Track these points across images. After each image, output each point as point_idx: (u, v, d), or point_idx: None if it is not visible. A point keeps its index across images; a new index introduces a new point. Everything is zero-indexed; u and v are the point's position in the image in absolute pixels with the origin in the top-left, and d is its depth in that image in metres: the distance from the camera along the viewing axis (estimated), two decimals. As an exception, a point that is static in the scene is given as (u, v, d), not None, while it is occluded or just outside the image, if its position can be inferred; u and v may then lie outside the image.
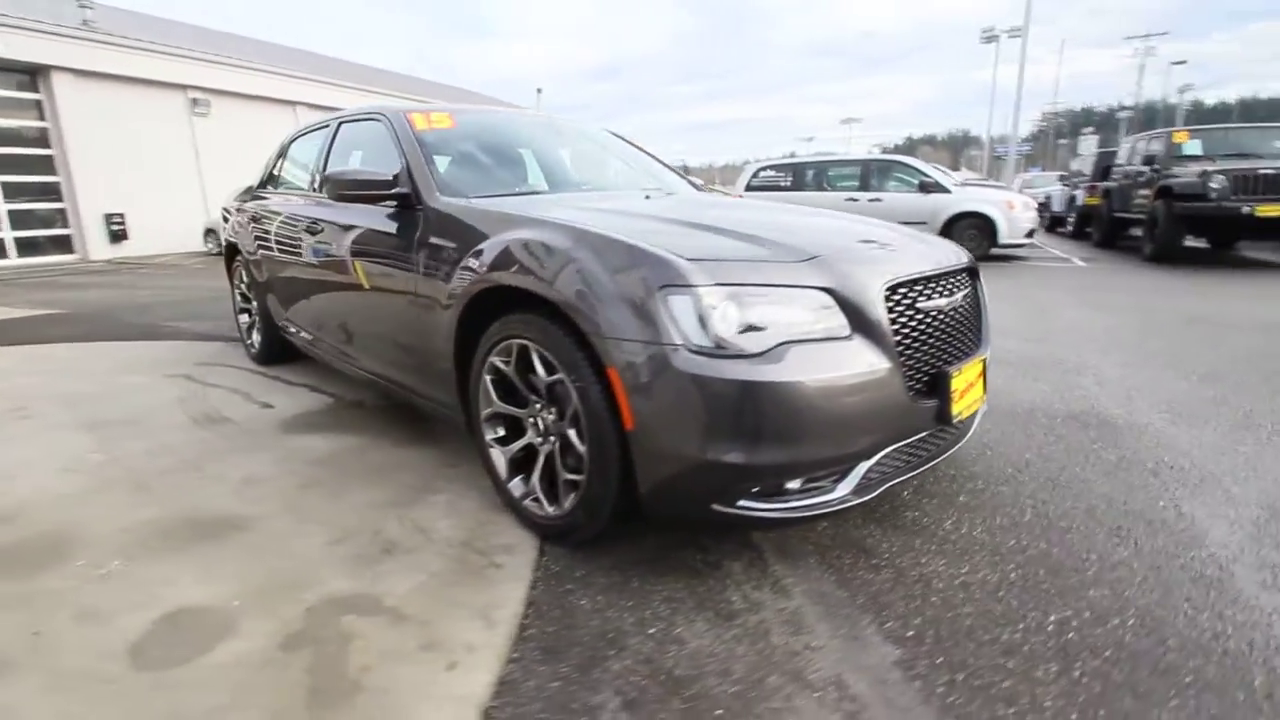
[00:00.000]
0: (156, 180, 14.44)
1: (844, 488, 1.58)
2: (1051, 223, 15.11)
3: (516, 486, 1.98)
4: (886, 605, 1.61)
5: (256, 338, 3.89)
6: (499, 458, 2.03)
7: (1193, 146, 8.95)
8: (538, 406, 1.87)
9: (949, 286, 1.87)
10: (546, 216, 1.86)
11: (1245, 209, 7.54)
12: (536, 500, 1.90)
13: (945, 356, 1.77)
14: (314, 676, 1.39)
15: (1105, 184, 11.32)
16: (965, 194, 9.26)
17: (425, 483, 2.33)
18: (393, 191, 2.30)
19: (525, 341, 1.80)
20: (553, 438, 1.84)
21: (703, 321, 1.47)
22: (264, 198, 3.62)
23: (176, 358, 4.20)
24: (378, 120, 2.72)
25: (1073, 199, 13.98)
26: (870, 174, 9.85)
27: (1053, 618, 1.56)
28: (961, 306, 1.90)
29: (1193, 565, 1.77)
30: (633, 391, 1.52)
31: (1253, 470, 2.34)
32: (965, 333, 1.90)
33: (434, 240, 2.14)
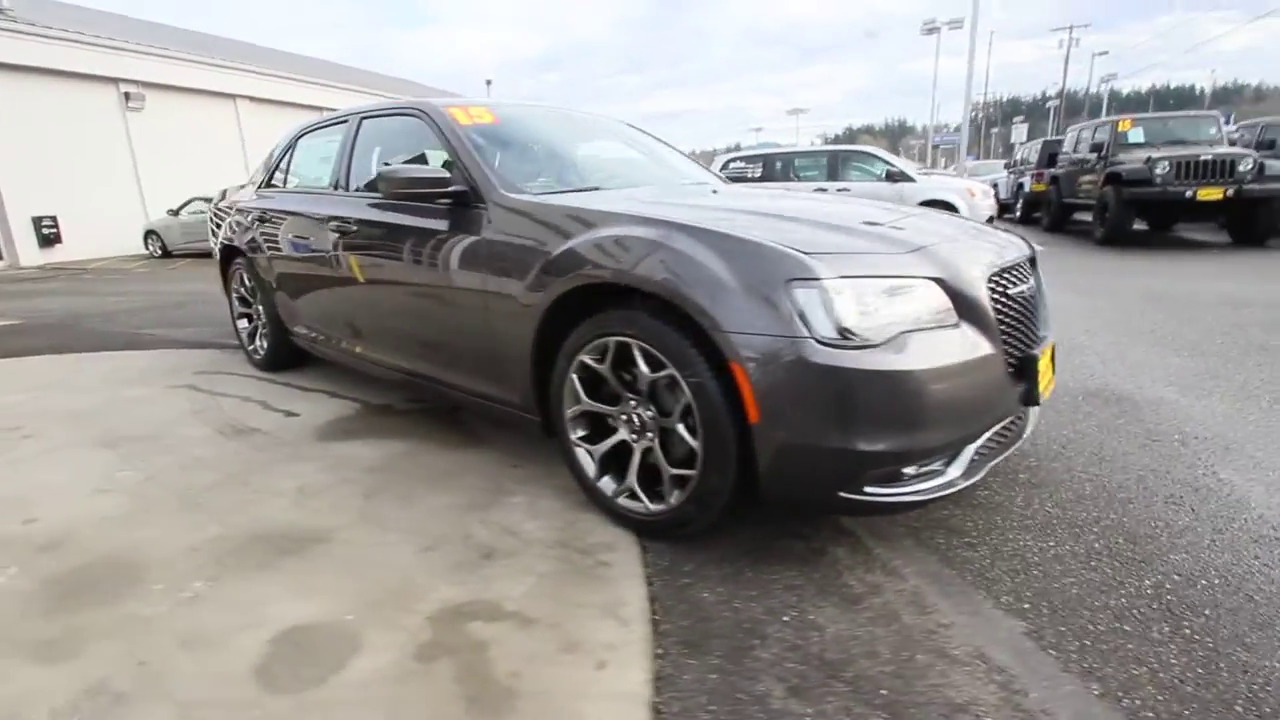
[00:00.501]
0: (90, 180, 13.59)
1: (955, 470, 1.65)
2: (999, 209, 15.76)
3: (607, 485, 1.98)
4: (994, 580, 1.68)
5: (261, 343, 3.73)
6: (585, 456, 2.02)
7: (1136, 134, 9.50)
8: (633, 403, 1.87)
9: (1025, 273, 1.96)
10: (643, 213, 1.86)
11: (1188, 193, 8.06)
12: (633, 497, 1.91)
13: (1029, 340, 1.86)
14: (464, 686, 1.37)
15: (1052, 171, 11.90)
16: (930, 183, 9.57)
17: (494, 485, 2.29)
18: (450, 189, 2.25)
19: (626, 338, 1.79)
20: (650, 434, 1.85)
21: (828, 313, 1.51)
22: (271, 196, 3.46)
23: (170, 367, 3.98)
24: (414, 116, 2.64)
25: (1020, 186, 14.64)
26: (837, 164, 10.07)
27: (1148, 582, 1.66)
28: (1034, 292, 1.99)
29: (1249, 526, 1.90)
30: (759, 384, 1.54)
31: (1267, 436, 2.53)
32: (1038, 317, 1.99)
33: (504, 238, 2.10)
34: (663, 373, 1.73)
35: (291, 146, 3.48)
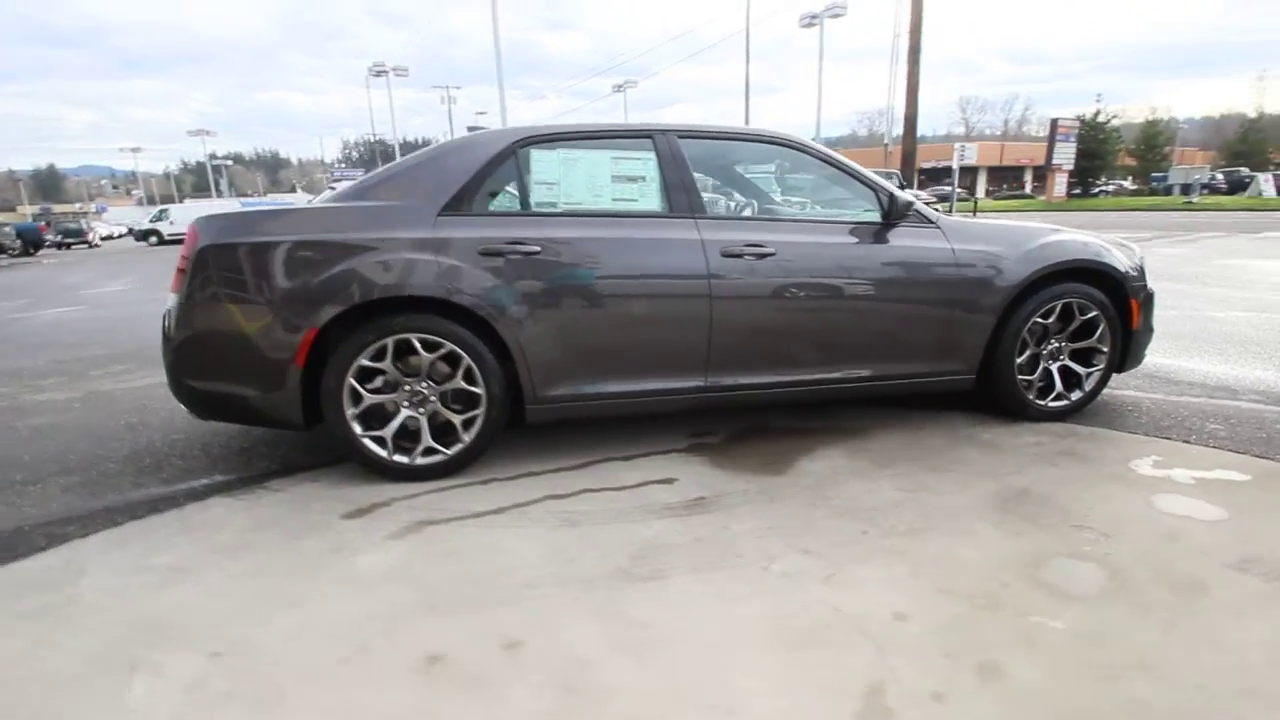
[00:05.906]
0: None
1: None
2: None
3: (1046, 399, 3.11)
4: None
5: (454, 437, 2.60)
6: (1026, 388, 3.08)
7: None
8: (1057, 339, 3.11)
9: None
10: (1054, 227, 3.13)
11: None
12: (1059, 399, 3.13)
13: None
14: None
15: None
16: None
17: (953, 441, 2.98)
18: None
19: (1070, 299, 3.01)
20: (1064, 356, 3.13)
21: (1145, 266, 3.22)
22: (524, 223, 2.61)
23: (257, 526, 2.19)
24: (779, 145, 2.99)
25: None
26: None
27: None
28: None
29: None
30: (1140, 308, 3.11)
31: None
32: None
33: (974, 248, 2.92)
34: (1089, 314, 3.06)
35: (507, 159, 2.58)
